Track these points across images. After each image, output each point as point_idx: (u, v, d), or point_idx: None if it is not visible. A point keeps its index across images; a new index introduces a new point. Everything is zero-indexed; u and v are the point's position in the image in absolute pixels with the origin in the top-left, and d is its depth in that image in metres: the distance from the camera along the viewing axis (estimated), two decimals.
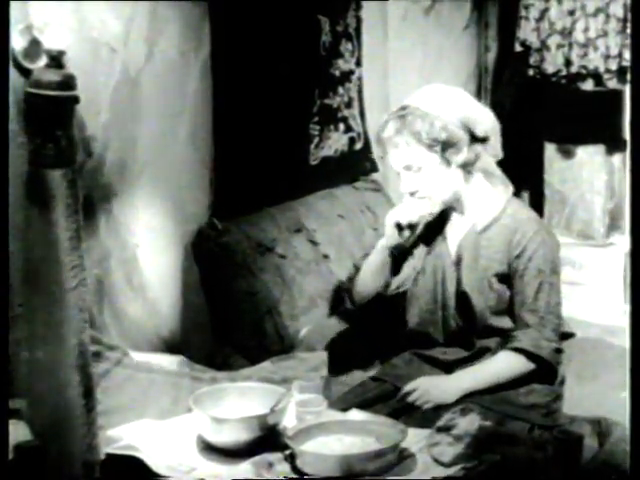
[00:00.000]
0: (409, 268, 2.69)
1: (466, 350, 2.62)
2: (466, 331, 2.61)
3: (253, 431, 2.20)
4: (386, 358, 2.80)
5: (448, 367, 2.62)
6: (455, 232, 2.64)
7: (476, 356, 2.60)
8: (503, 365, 2.55)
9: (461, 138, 2.50)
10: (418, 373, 2.63)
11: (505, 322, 2.58)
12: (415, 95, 2.57)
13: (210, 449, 2.23)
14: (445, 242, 2.65)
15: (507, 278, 2.56)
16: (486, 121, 2.57)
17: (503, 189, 2.63)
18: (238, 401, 2.36)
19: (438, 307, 2.63)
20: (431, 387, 2.52)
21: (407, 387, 2.55)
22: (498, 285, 2.56)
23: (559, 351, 2.56)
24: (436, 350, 2.67)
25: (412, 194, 2.57)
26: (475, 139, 2.54)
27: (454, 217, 2.65)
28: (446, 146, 2.50)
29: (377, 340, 2.91)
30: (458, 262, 2.60)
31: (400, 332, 2.74)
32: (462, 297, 2.58)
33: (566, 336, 2.69)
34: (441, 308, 2.63)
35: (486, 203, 2.60)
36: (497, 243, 2.56)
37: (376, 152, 2.74)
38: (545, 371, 2.55)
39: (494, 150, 2.60)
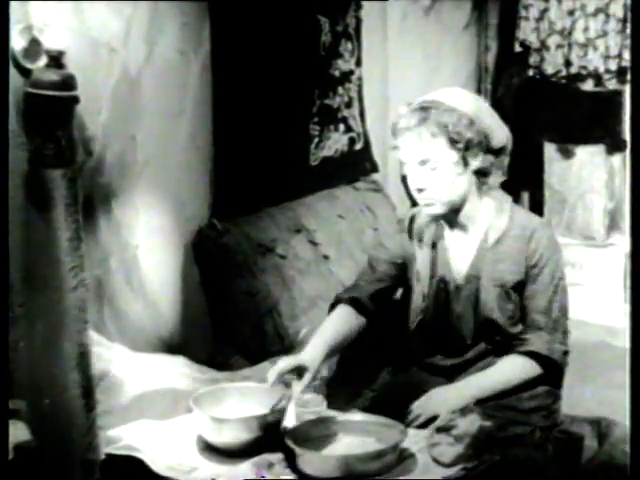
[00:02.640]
0: (419, 296, 2.60)
1: (464, 354, 2.60)
2: (471, 345, 2.59)
3: (253, 431, 2.20)
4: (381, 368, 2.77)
5: (448, 372, 2.60)
6: (459, 251, 2.59)
7: (477, 359, 2.58)
8: (511, 370, 2.51)
9: (481, 141, 2.47)
10: (416, 380, 2.61)
11: (518, 328, 2.56)
12: (435, 93, 2.52)
13: (210, 449, 2.23)
14: (448, 263, 2.60)
15: (522, 286, 2.53)
16: (503, 133, 2.53)
17: (504, 200, 2.59)
18: (238, 401, 2.36)
19: (441, 329, 2.59)
20: (435, 399, 2.46)
21: (413, 407, 2.46)
22: (515, 295, 2.53)
23: (567, 353, 2.55)
24: (434, 358, 2.64)
25: (420, 191, 2.51)
26: (489, 149, 2.50)
27: (455, 235, 2.61)
28: (468, 145, 2.45)
29: (376, 356, 2.88)
30: (469, 282, 2.56)
31: (402, 350, 2.71)
32: (485, 322, 2.54)
33: None
34: (445, 330, 2.58)
35: (492, 217, 2.56)
36: (512, 255, 2.52)
37: (391, 143, 2.63)
38: (554, 374, 2.54)
39: (501, 168, 2.56)
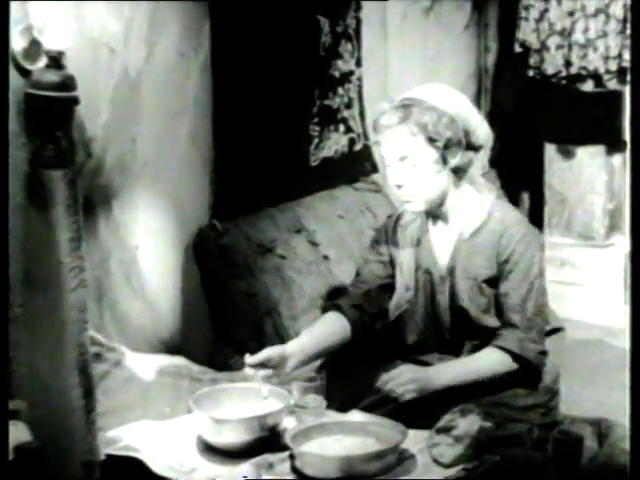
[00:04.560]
0: (401, 288, 2.64)
1: (458, 354, 2.60)
2: (460, 339, 2.60)
3: (253, 432, 2.20)
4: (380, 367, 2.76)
5: None
6: (442, 243, 2.61)
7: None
8: (485, 361, 2.51)
9: (461, 140, 2.49)
10: None
11: (494, 322, 2.56)
12: (418, 90, 2.55)
13: (210, 450, 2.23)
14: (432, 255, 2.62)
15: (496, 282, 2.54)
16: (483, 131, 2.56)
17: (488, 194, 2.61)
18: (238, 402, 2.36)
19: (430, 321, 2.61)
20: (411, 378, 2.44)
21: (386, 375, 2.46)
22: (488, 290, 2.54)
23: (544, 353, 2.54)
24: (431, 356, 2.65)
25: (399, 187, 2.54)
26: (469, 146, 2.53)
27: (438, 227, 2.63)
28: (448, 144, 2.48)
29: (374, 355, 2.87)
30: (450, 273, 2.58)
31: (398, 347, 2.71)
32: (458, 311, 2.56)
33: (555, 330, 2.67)
34: (433, 322, 2.61)
35: (472, 209, 2.58)
36: (485, 248, 2.54)
37: (372, 138, 2.69)
38: (529, 373, 2.53)
39: (481, 162, 2.60)
